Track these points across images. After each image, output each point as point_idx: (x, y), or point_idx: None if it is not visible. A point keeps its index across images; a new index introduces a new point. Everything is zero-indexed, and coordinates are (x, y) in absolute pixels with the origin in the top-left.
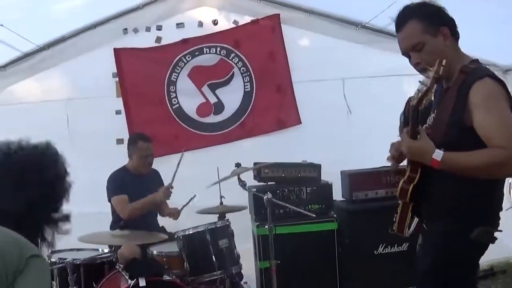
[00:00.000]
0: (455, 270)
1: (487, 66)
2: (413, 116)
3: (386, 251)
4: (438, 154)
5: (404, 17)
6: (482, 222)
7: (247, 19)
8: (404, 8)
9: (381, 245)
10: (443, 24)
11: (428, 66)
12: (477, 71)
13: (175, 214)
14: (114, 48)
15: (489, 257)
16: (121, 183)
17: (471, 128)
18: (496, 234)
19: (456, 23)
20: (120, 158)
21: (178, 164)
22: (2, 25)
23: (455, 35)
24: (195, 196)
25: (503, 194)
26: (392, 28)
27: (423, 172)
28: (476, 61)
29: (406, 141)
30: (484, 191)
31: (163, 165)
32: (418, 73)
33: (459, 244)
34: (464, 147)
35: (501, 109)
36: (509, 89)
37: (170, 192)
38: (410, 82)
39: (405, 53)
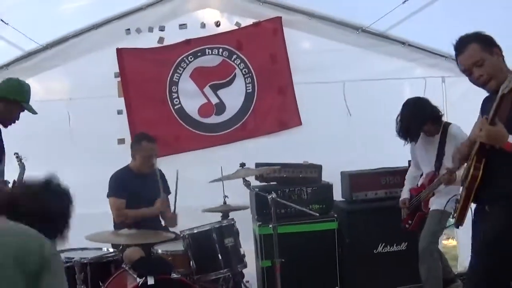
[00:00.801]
0: None
1: None
2: (498, 104)
3: (386, 250)
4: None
5: (465, 41)
6: None
7: (249, 21)
8: (463, 36)
9: (380, 244)
10: (495, 46)
11: (490, 77)
12: None
13: (172, 220)
14: (116, 48)
15: None
16: (122, 184)
17: None
18: None
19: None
20: (122, 158)
21: (177, 182)
22: (7, 23)
23: (502, 55)
24: (177, 173)
25: None
26: (392, 32)
27: (486, 162)
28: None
29: (486, 126)
30: None
31: (164, 166)
32: (414, 77)
33: None
34: None
35: None
36: None
37: (167, 203)
38: (408, 85)
39: (467, 70)
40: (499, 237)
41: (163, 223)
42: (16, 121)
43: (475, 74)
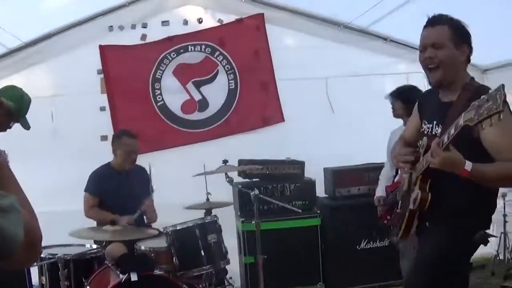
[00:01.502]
0: (453, 265)
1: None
2: (456, 134)
3: (369, 246)
4: (468, 165)
5: (439, 20)
6: (483, 226)
7: (231, 18)
8: (444, 15)
9: (363, 240)
10: (466, 43)
11: (438, 65)
12: (481, 88)
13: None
14: (99, 45)
15: None
16: (100, 181)
17: (477, 140)
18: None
19: None
20: (105, 154)
21: (150, 175)
22: None
23: (468, 59)
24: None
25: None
26: (373, 28)
27: (431, 183)
28: (473, 78)
29: (439, 153)
30: (486, 199)
31: (147, 162)
32: (396, 72)
33: (462, 244)
34: (471, 158)
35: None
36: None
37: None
38: (390, 81)
39: (422, 46)
40: (437, 257)
41: (145, 220)
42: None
43: (427, 53)
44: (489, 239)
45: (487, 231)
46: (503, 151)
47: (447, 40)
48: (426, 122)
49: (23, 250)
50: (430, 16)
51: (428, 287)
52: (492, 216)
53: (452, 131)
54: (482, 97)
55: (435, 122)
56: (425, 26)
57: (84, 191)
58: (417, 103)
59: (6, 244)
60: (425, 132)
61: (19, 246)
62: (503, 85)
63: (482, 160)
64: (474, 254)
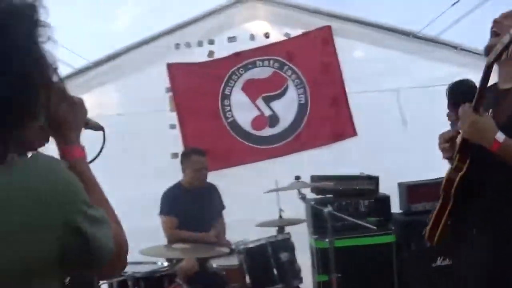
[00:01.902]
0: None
1: None
2: (482, 84)
3: (444, 263)
4: (500, 136)
5: None
6: None
7: (298, 31)
8: None
9: (439, 257)
10: None
11: (495, 31)
12: None
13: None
14: (167, 63)
15: None
16: (173, 202)
17: None
18: None
19: None
20: (175, 172)
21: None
22: (56, 42)
23: None
24: None
25: None
26: (444, 37)
27: (470, 166)
28: None
29: (470, 116)
30: None
31: (218, 180)
32: None
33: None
34: None
35: None
36: None
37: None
38: None
39: (496, 26)
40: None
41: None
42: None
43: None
44: None
45: None
46: None
47: None
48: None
49: (112, 261)
50: None
51: None
52: None
53: (480, 82)
54: None
55: (490, 110)
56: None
57: (160, 214)
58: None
59: (100, 255)
60: None
61: (110, 257)
62: None
63: None
64: None
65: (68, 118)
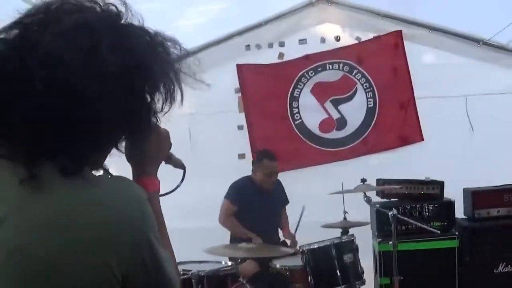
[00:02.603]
0: None
1: None
2: None
3: (506, 270)
4: None
5: None
6: None
7: (369, 35)
8: None
9: (501, 264)
10: None
11: None
12: None
13: (291, 240)
14: (237, 64)
15: None
16: (240, 191)
17: None
18: None
19: None
20: (242, 173)
21: (301, 216)
22: None
23: None
24: (303, 209)
25: None
26: None
27: None
28: None
29: None
30: None
31: (284, 180)
32: None
33: None
34: None
35: None
36: None
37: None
38: None
39: None
40: None
41: (281, 236)
42: None
43: None
44: None
45: None
46: None
47: None
48: None
49: None
50: None
51: None
52: None
53: None
54: None
55: None
56: None
57: (224, 197)
58: None
59: None
60: None
61: None
62: None
63: None
64: None
65: (152, 150)
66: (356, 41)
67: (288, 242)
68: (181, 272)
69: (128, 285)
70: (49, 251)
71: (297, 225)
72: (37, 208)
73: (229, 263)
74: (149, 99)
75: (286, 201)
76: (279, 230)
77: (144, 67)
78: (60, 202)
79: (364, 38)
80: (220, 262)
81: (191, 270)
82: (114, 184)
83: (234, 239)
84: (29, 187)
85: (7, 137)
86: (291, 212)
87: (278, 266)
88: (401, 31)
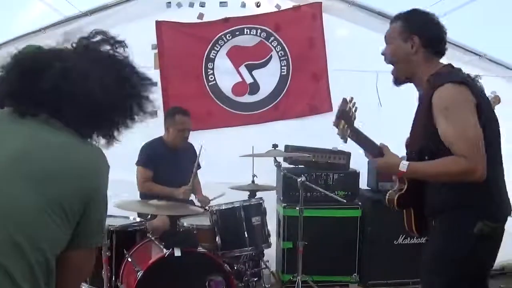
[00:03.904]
0: (458, 264)
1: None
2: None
3: (406, 242)
4: (403, 166)
5: (395, 17)
6: (482, 216)
7: (289, 4)
8: (406, 11)
9: (401, 235)
10: (416, 33)
11: (391, 62)
12: (438, 78)
13: (205, 202)
14: (156, 21)
15: (501, 258)
16: (152, 155)
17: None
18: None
19: (443, 40)
20: (154, 129)
21: (198, 157)
22: None
23: (432, 48)
24: (201, 147)
25: (505, 186)
26: None
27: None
28: (446, 66)
29: (374, 161)
30: (480, 187)
31: (195, 140)
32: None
33: (461, 239)
34: (440, 151)
35: (459, 116)
36: None
37: (190, 192)
38: None
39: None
40: (433, 259)
41: (192, 197)
42: None
43: (381, 50)
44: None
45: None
46: (450, 144)
47: (395, 35)
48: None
49: (91, 252)
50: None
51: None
52: None
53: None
54: None
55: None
56: None
57: (137, 164)
58: None
59: (94, 234)
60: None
61: (95, 245)
62: None
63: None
64: (507, 261)
65: None
66: (276, 9)
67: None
68: None
69: (83, 217)
70: (48, 161)
71: (196, 164)
72: (46, 137)
73: (138, 219)
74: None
75: (198, 166)
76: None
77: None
78: (63, 140)
79: (284, 6)
80: (128, 218)
81: None
82: (98, 149)
83: (145, 196)
84: (47, 126)
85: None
86: (201, 172)
87: (186, 224)
88: (320, 3)
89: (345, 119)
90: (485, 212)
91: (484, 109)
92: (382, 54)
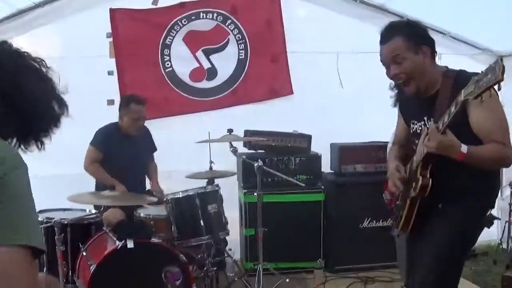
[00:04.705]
0: (465, 247)
1: (482, 50)
2: (454, 114)
3: (371, 225)
4: (464, 148)
5: (391, 31)
6: (490, 207)
7: None
8: (391, 24)
9: (366, 219)
10: (425, 44)
11: (409, 78)
12: (465, 73)
13: (157, 192)
14: (110, 8)
15: None
16: (107, 138)
17: (467, 123)
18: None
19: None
20: (110, 119)
21: None
22: None
23: (433, 54)
24: None
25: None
26: (389, 5)
27: (433, 169)
28: (446, 67)
29: (436, 137)
30: (492, 179)
31: (153, 128)
32: None
33: (475, 224)
34: (464, 142)
35: (495, 107)
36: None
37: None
38: None
39: (385, 63)
40: (456, 237)
41: (148, 187)
42: None
43: (392, 71)
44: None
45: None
46: (489, 132)
47: (404, 52)
48: (415, 122)
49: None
50: (382, 30)
51: (442, 267)
52: (498, 205)
53: (453, 109)
54: (481, 71)
55: (426, 118)
56: (380, 43)
57: (90, 144)
58: (398, 106)
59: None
60: (418, 131)
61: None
62: (501, 58)
63: (475, 144)
64: (478, 242)
65: None
66: None
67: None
68: (44, 220)
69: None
70: None
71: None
72: None
73: (93, 211)
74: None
75: (154, 148)
76: (147, 180)
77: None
78: None
79: None
80: (85, 210)
81: (53, 218)
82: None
83: (99, 187)
84: None
85: None
86: (158, 160)
87: (142, 215)
88: None
89: None
90: (492, 202)
91: None
92: (393, 75)
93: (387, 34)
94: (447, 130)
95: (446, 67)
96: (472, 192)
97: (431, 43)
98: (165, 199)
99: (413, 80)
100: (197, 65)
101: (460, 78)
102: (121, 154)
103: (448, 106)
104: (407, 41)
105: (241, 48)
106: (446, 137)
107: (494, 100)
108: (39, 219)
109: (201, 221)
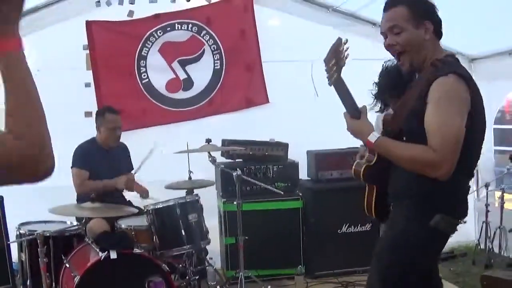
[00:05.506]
0: (410, 254)
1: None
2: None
3: (350, 231)
4: (373, 136)
5: (394, 1)
6: (442, 210)
7: None
8: None
9: (344, 224)
10: (428, 19)
11: (402, 50)
12: (446, 66)
13: (144, 192)
14: (86, 21)
15: (450, 240)
16: (87, 156)
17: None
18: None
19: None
20: (89, 131)
21: (147, 156)
22: None
23: (437, 33)
24: (153, 146)
25: (469, 186)
26: (362, 13)
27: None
28: (451, 55)
29: (348, 120)
30: (446, 181)
31: (130, 140)
32: (383, 58)
33: (417, 229)
34: (420, 137)
35: (447, 110)
36: (475, 79)
37: (133, 181)
38: (377, 67)
39: (383, 33)
40: (392, 246)
41: (127, 198)
42: None
43: (388, 40)
44: (459, 227)
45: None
46: (428, 132)
47: (404, 22)
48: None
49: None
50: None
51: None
52: (475, 205)
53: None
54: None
55: (403, 98)
56: (383, 11)
57: (72, 167)
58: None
59: None
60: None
61: None
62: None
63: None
64: (456, 243)
65: None
66: (206, 2)
67: (141, 194)
68: (27, 233)
69: None
70: None
71: (143, 161)
72: None
73: (75, 223)
74: None
75: (131, 167)
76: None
77: None
78: None
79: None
80: (65, 222)
81: (36, 231)
82: None
83: (80, 199)
84: None
85: None
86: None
87: (123, 226)
88: None
89: (336, 59)
90: (448, 207)
91: (476, 109)
92: (390, 44)
93: (391, 2)
94: (362, 114)
95: (452, 54)
96: (412, 194)
97: (435, 20)
98: (145, 210)
99: (407, 53)
100: (173, 76)
101: (439, 70)
102: (102, 168)
103: (417, 94)
104: (409, 13)
105: (216, 58)
106: (354, 121)
107: (448, 100)
108: (21, 231)
109: (182, 231)
